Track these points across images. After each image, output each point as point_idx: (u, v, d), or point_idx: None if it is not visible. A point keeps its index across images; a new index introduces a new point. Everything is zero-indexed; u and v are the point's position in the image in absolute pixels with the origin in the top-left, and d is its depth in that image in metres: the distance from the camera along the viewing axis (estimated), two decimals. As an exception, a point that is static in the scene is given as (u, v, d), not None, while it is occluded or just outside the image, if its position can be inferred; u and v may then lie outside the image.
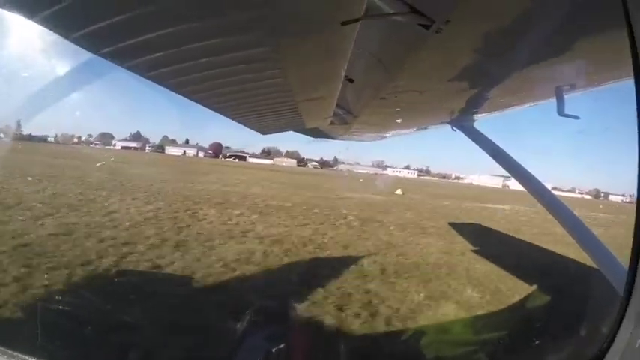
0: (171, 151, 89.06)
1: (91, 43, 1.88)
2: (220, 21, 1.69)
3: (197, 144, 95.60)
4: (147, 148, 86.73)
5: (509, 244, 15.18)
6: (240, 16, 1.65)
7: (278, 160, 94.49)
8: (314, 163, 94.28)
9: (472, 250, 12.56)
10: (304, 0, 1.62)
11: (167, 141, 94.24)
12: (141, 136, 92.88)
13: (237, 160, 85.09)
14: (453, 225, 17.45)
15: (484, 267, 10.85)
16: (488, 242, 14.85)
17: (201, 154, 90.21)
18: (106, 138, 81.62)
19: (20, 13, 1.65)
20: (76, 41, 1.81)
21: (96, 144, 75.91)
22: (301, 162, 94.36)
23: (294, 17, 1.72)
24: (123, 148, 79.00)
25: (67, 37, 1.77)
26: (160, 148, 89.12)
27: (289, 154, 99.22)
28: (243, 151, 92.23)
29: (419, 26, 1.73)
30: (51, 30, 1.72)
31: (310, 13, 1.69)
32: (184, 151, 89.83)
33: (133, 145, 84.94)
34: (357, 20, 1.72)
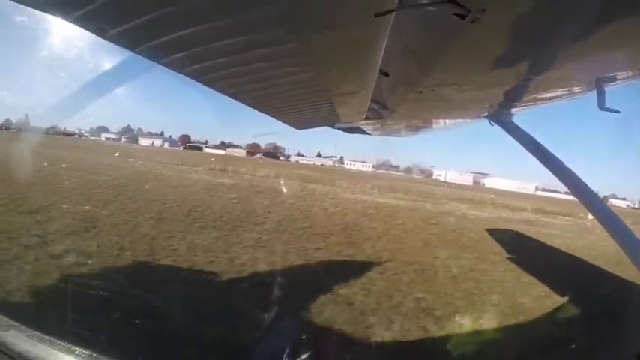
0: (142, 141, 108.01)
1: (125, 40, 1.94)
2: (252, 16, 1.72)
3: (170, 136, 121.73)
4: (123, 139, 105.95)
5: (543, 252, 14.72)
6: (271, 9, 1.67)
7: (230, 151, 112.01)
8: (259, 155, 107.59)
9: (508, 258, 12.28)
10: None
11: (141, 133, 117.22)
12: (130, 129, 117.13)
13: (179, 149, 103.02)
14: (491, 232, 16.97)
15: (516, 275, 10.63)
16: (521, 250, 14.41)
17: (166, 145, 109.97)
18: (98, 131, 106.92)
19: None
20: (112, 39, 1.88)
21: (86, 136, 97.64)
22: (250, 153, 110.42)
23: (327, 10, 1.72)
24: (106, 139, 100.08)
25: (101, 36, 1.84)
26: (133, 139, 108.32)
27: (240, 146, 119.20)
28: (198, 143, 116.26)
29: (454, 16, 1.69)
30: (85, 28, 1.79)
31: (343, 6, 1.68)
32: (152, 142, 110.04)
33: (112, 136, 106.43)
34: (390, 12, 1.70)
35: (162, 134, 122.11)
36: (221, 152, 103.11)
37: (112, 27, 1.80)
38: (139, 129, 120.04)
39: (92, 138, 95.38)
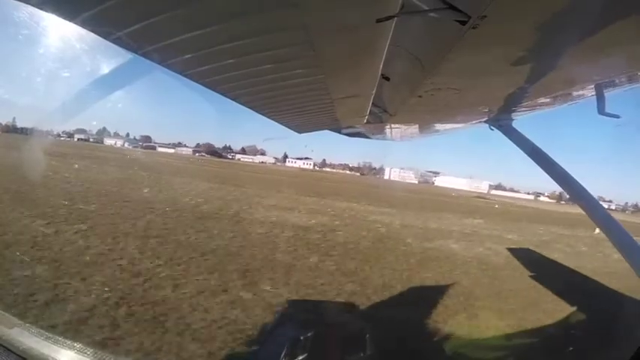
0: (107, 141, 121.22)
1: (132, 42, 1.97)
2: (256, 20, 1.74)
3: (135, 137, 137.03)
4: (90, 139, 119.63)
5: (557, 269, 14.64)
6: (275, 14, 1.69)
7: (179, 149, 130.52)
8: (202, 153, 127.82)
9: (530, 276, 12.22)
10: None
11: (108, 135, 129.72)
12: (105, 131, 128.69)
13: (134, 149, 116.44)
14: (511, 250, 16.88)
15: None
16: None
17: (126, 145, 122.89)
18: (77, 132, 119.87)
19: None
20: (115, 41, 1.90)
21: (62, 137, 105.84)
22: (195, 151, 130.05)
23: (329, 15, 1.74)
24: (78, 139, 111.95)
25: (106, 38, 1.87)
26: (99, 140, 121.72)
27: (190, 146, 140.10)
28: (154, 143, 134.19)
29: (455, 22, 1.71)
30: (92, 31, 1.81)
31: (345, 11, 1.71)
32: (115, 142, 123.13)
33: (83, 136, 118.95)
34: (391, 17, 1.73)
35: (127, 135, 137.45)
36: (171, 151, 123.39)
37: (115, 29, 1.83)
38: (106, 131, 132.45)
39: (63, 139, 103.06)
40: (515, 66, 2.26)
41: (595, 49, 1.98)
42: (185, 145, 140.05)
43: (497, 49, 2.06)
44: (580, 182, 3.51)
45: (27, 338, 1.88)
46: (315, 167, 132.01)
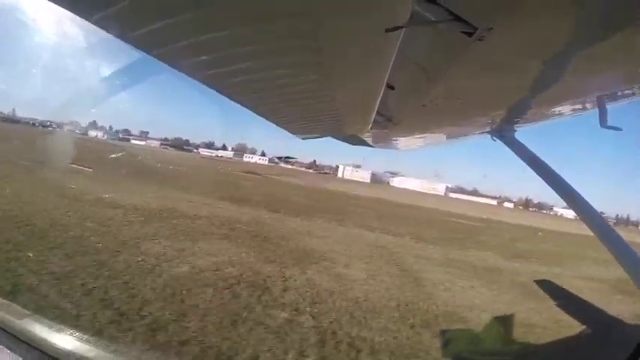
0: (91, 133, 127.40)
1: (143, 42, 2.00)
2: (264, 27, 1.79)
3: (117, 130, 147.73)
4: (76, 131, 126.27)
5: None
6: (283, 21, 1.74)
7: (149, 142, 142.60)
8: (166, 145, 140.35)
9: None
10: (349, 7, 1.69)
11: (93, 127, 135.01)
12: (94, 124, 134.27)
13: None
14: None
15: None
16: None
17: (106, 136, 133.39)
18: (70, 124, 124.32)
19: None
20: (130, 40, 1.93)
21: (53, 127, 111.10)
22: (162, 144, 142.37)
23: (338, 24, 1.79)
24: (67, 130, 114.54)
25: (117, 37, 1.90)
26: (84, 132, 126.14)
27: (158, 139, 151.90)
28: (128, 135, 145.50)
29: (461, 33, 1.76)
30: (105, 30, 1.84)
31: (355, 20, 1.76)
32: (97, 134, 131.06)
33: (70, 128, 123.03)
34: (400, 28, 1.77)
35: (110, 128, 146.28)
36: (142, 143, 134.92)
37: (127, 29, 1.86)
38: (93, 123, 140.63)
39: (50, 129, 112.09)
40: (519, 77, 2.30)
41: (602, 62, 2.02)
42: (166, 139, 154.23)
43: (502, 61, 2.10)
44: (581, 194, 3.53)
45: (37, 328, 1.91)
46: (271, 163, 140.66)
